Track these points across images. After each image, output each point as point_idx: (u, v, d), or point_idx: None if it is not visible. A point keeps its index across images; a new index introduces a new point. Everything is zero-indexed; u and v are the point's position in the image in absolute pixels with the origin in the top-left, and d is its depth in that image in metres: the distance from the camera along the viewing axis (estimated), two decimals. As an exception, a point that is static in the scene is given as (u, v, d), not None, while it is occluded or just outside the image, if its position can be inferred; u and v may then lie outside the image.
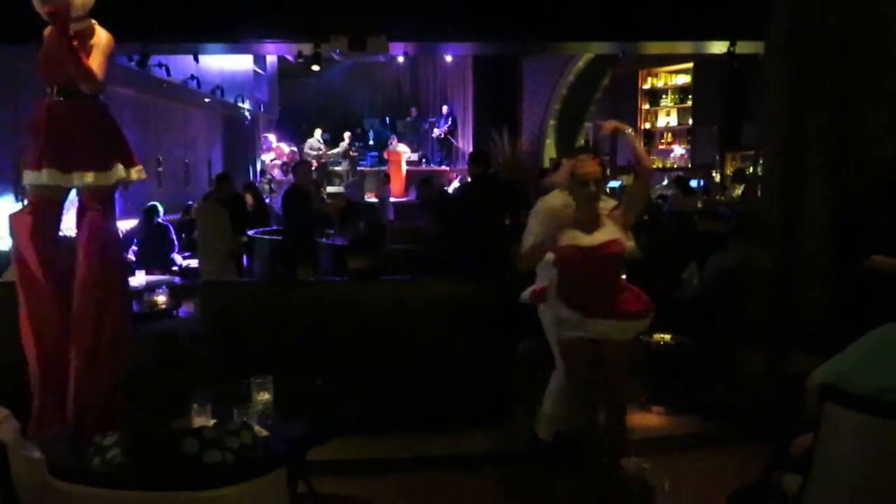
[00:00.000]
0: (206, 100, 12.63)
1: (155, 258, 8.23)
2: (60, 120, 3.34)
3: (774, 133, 4.74)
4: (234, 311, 4.54)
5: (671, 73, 13.82)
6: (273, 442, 2.61)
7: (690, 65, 13.21)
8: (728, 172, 12.65)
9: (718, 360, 4.89)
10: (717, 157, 12.98)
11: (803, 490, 2.43)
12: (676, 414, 4.84)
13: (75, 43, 3.22)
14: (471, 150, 14.85)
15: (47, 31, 3.41)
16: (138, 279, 6.39)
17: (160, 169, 11.83)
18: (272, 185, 15.06)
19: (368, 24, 8.18)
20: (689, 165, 13.34)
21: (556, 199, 3.88)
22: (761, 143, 5.25)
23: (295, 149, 16.41)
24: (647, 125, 14.26)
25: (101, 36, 3.40)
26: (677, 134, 13.97)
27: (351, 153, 16.48)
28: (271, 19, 8.15)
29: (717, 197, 11.62)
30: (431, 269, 6.10)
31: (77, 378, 3.34)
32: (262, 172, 16.06)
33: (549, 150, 15.92)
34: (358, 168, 16.49)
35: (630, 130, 3.87)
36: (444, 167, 16.78)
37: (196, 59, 10.27)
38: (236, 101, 13.82)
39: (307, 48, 8.98)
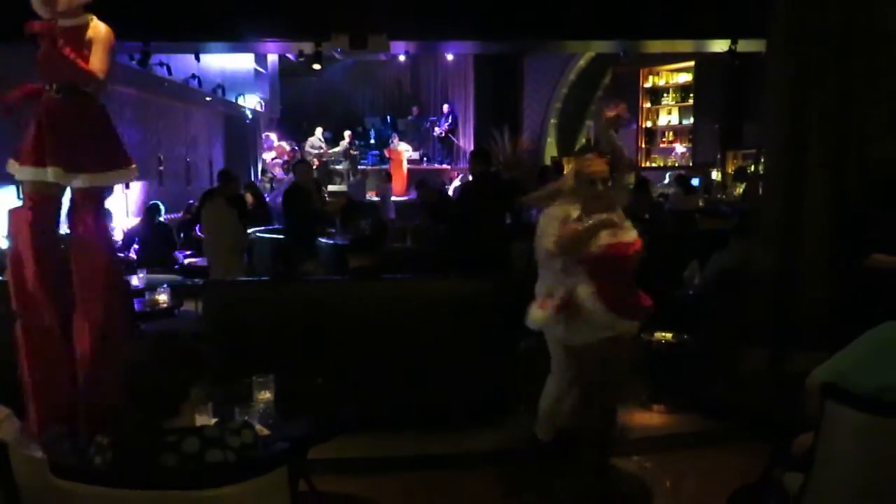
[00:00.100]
0: (208, 98, 12.64)
1: (157, 257, 8.24)
2: (59, 117, 3.33)
3: (776, 132, 4.74)
4: (236, 310, 4.54)
5: (672, 71, 13.82)
6: (274, 441, 2.61)
7: (692, 63, 13.21)
8: (729, 171, 12.65)
9: (719, 358, 4.89)
10: (719, 156, 12.98)
11: (804, 489, 2.43)
12: (677, 412, 4.85)
13: (68, 51, 3.21)
14: (472, 148, 14.85)
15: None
16: (140, 278, 6.39)
17: (161, 168, 11.83)
18: (273, 184, 15.07)
19: (369, 22, 8.19)
20: (691, 164, 13.34)
21: (562, 211, 3.64)
22: (763, 141, 5.25)
23: (296, 147, 16.42)
24: (649, 123, 14.26)
25: (100, 30, 3.37)
26: (678, 132, 13.97)
27: (351, 152, 16.48)
28: (272, 18, 8.16)
29: (719, 195, 11.62)
30: (432, 268, 6.11)
31: (77, 377, 3.34)
32: (263, 171, 16.07)
33: (550, 149, 15.93)
34: (359, 167, 16.49)
35: (623, 109, 3.82)
36: (445, 166, 16.79)
37: (197, 58, 10.28)
38: (237, 100, 13.83)
39: (308, 47, 8.99)
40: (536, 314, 3.62)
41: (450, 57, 15.30)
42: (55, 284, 3.39)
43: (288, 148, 16.39)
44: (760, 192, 5.27)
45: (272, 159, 16.19)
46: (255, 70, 15.51)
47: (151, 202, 9.07)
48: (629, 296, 3.52)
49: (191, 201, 10.93)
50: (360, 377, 3.98)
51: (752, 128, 12.01)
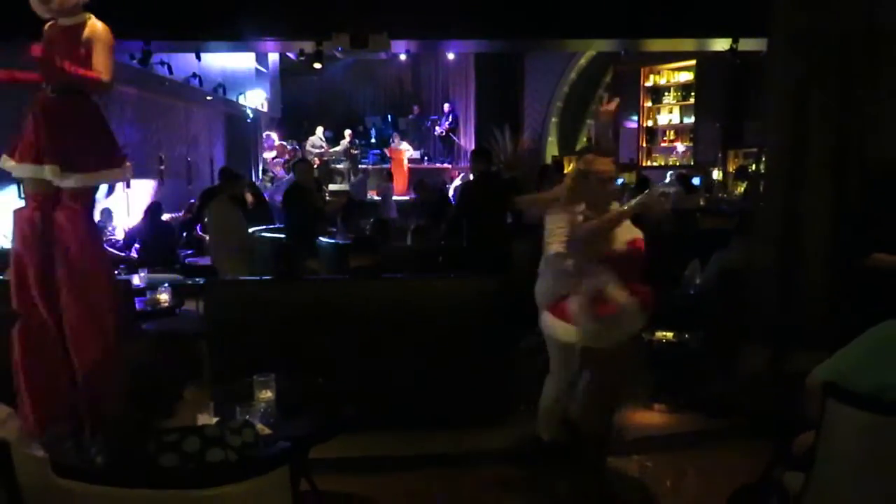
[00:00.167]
0: (208, 98, 12.65)
1: (158, 256, 8.24)
2: (54, 116, 3.33)
3: (776, 131, 4.74)
4: (237, 309, 4.55)
5: (673, 70, 13.79)
6: (275, 440, 2.61)
7: (693, 62, 13.18)
8: (730, 170, 12.64)
9: (720, 357, 4.89)
10: (720, 155, 12.96)
11: (805, 488, 2.43)
12: (678, 412, 4.85)
13: (66, 64, 3.21)
14: (473, 147, 14.85)
15: (46, 27, 3.41)
16: (141, 277, 6.39)
17: (162, 167, 11.83)
18: (273, 183, 15.07)
19: (370, 21, 8.18)
20: (692, 163, 13.33)
21: (567, 213, 3.58)
22: (763, 141, 5.24)
23: (297, 147, 16.42)
24: (650, 122, 14.23)
25: (97, 29, 3.37)
26: (679, 131, 13.94)
27: (352, 151, 16.48)
28: (273, 17, 8.16)
29: (720, 195, 11.61)
30: (433, 268, 6.12)
31: (76, 376, 3.34)
32: (264, 170, 16.07)
33: (551, 148, 15.91)
34: (360, 166, 16.49)
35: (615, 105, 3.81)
36: (446, 165, 16.79)
37: (198, 58, 10.27)
38: (238, 99, 13.83)
39: (309, 46, 8.98)
40: (567, 328, 3.46)
41: (451, 56, 15.31)
42: (53, 285, 3.40)
43: (289, 147, 16.40)
44: (761, 190, 5.27)
45: (273, 158, 16.19)
46: (256, 69, 15.50)
47: (152, 201, 9.07)
48: (645, 294, 3.53)
49: (192, 200, 10.94)
50: (361, 376, 3.99)
51: (753, 127, 11.99)
